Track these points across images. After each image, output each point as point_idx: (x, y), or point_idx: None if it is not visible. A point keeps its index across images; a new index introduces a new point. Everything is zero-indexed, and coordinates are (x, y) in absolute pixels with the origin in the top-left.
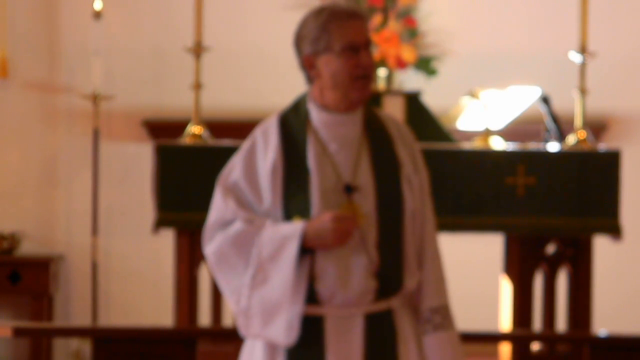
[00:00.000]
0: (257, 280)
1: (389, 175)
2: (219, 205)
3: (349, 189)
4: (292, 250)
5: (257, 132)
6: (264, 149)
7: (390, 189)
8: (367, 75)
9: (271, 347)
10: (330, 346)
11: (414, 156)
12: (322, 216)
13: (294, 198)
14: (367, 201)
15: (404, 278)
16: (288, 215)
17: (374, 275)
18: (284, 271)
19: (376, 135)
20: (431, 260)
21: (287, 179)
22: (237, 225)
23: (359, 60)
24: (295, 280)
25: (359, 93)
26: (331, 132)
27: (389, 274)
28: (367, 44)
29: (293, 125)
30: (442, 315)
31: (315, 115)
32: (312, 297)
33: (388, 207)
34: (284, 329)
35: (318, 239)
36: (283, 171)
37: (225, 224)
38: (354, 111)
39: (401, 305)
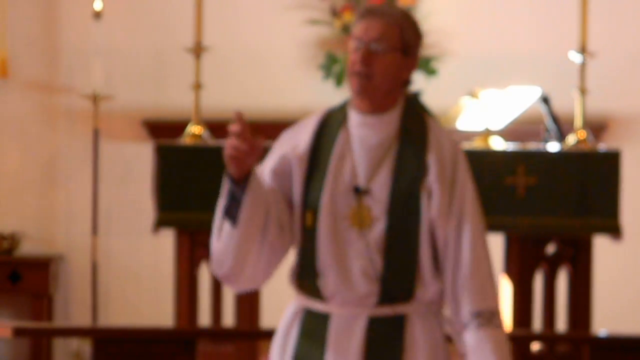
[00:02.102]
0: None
1: (409, 182)
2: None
3: (358, 191)
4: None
5: (306, 119)
6: (299, 137)
7: (407, 196)
8: (355, 72)
9: (285, 334)
10: (330, 344)
11: (453, 166)
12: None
13: (311, 192)
14: (377, 205)
15: (415, 287)
16: (306, 208)
17: (377, 280)
18: (218, 211)
19: (408, 141)
20: (471, 267)
21: (310, 173)
22: None
23: (353, 56)
24: (217, 225)
25: (351, 88)
26: (359, 133)
27: (395, 281)
28: (369, 43)
29: (333, 121)
30: (486, 317)
31: (352, 115)
32: (317, 294)
33: (400, 214)
34: (214, 259)
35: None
36: (308, 164)
37: None
38: (378, 112)
39: (419, 313)
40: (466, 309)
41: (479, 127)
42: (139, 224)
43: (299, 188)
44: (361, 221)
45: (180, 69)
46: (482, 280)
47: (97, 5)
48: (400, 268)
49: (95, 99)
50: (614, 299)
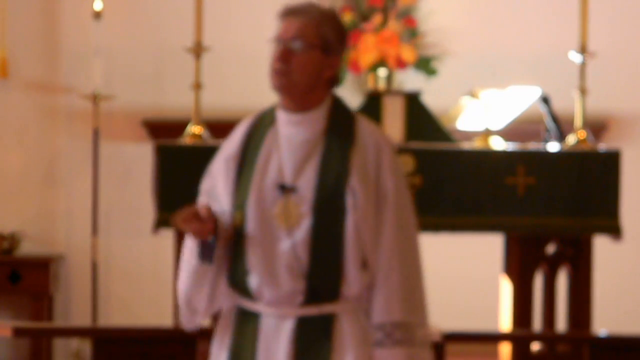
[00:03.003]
0: (180, 270)
1: (334, 180)
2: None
3: (283, 188)
4: (189, 242)
5: (240, 123)
6: (231, 141)
7: (332, 194)
8: (274, 70)
9: (222, 333)
10: (261, 345)
11: (377, 166)
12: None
13: (240, 192)
14: (303, 203)
15: (341, 285)
16: (235, 207)
17: (303, 277)
18: (186, 262)
19: (335, 139)
20: (386, 275)
21: (240, 173)
22: None
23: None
24: (192, 271)
25: (272, 86)
26: (286, 131)
27: (320, 278)
28: (287, 41)
29: (263, 122)
30: (387, 332)
31: (279, 114)
32: (248, 293)
33: (326, 212)
34: (185, 317)
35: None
36: (238, 165)
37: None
38: (303, 110)
39: (348, 311)
40: (374, 319)
41: (479, 127)
42: (139, 224)
43: (231, 189)
44: (288, 219)
45: (180, 69)
46: (391, 291)
47: (97, 5)
48: (325, 266)
49: (95, 99)
50: (614, 299)
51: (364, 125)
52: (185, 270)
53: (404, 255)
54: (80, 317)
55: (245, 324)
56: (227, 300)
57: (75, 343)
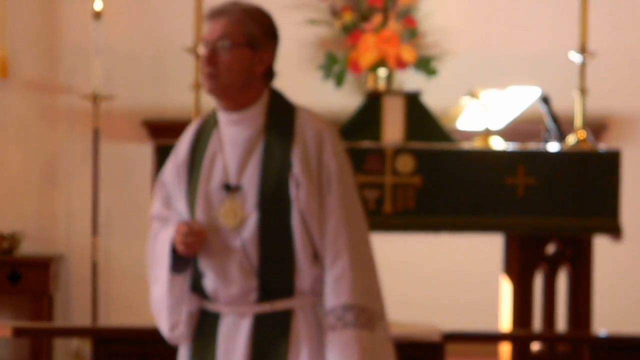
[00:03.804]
0: (152, 278)
1: (276, 175)
2: (152, 202)
3: (228, 188)
4: (167, 252)
5: (187, 130)
6: (179, 149)
7: (275, 189)
8: (204, 73)
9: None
10: (220, 343)
11: (318, 155)
12: (178, 225)
13: (190, 196)
14: (248, 201)
15: (294, 279)
16: (191, 213)
17: (254, 275)
18: (164, 272)
19: (274, 134)
20: (334, 258)
21: (190, 177)
22: (155, 225)
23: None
24: (169, 280)
25: (205, 88)
26: (227, 131)
27: (272, 274)
28: (214, 42)
29: (207, 125)
30: (337, 315)
31: (220, 115)
32: (205, 294)
33: (271, 207)
34: (166, 326)
35: (178, 245)
36: (188, 169)
37: (153, 220)
38: (241, 108)
39: (304, 307)
40: (326, 304)
41: (479, 127)
42: (139, 224)
43: (184, 195)
44: (235, 218)
45: (180, 69)
46: (339, 274)
47: (97, 5)
48: (276, 261)
49: (95, 99)
50: (614, 299)
51: (304, 116)
52: (161, 287)
53: (352, 238)
54: (80, 317)
55: (206, 324)
56: (192, 303)
57: (75, 343)
